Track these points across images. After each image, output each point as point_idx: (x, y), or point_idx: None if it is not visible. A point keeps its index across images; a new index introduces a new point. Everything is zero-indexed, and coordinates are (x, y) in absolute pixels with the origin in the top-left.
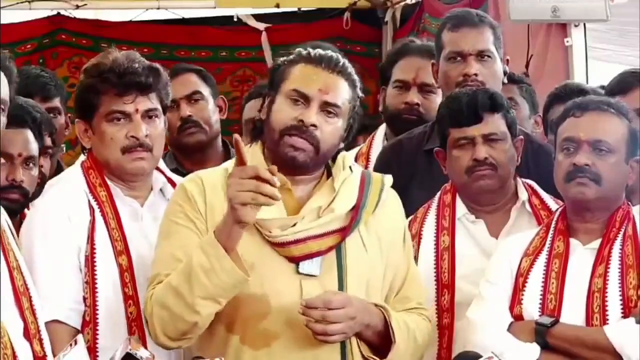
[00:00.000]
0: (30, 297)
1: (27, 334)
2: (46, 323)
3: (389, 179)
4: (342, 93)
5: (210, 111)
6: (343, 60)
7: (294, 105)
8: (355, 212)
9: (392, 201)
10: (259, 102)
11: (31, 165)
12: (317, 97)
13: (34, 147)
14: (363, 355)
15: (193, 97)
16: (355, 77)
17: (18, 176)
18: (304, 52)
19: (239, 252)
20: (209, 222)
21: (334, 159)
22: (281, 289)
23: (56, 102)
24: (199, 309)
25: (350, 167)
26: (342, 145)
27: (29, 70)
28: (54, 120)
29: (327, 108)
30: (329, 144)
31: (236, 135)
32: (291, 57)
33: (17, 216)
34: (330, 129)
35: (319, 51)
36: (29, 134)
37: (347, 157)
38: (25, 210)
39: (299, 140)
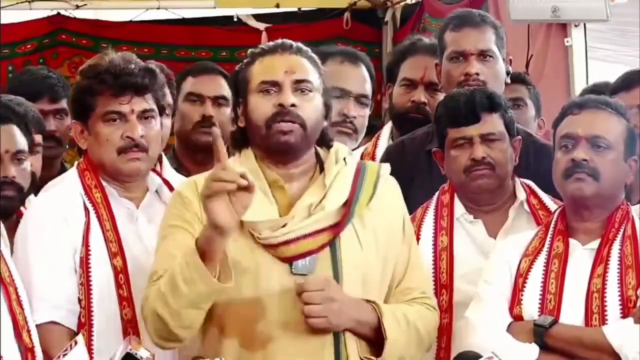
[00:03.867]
0: (16, 288)
1: (15, 326)
2: (42, 324)
3: (385, 168)
4: (308, 69)
5: (228, 118)
6: (297, 43)
7: (267, 96)
8: (347, 208)
9: (390, 191)
10: None
11: (22, 160)
12: (286, 79)
13: (21, 142)
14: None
15: (219, 100)
16: (313, 55)
17: (10, 172)
18: (257, 50)
19: (230, 256)
20: (205, 221)
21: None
22: (275, 290)
23: (63, 104)
24: (184, 317)
25: (344, 159)
26: (325, 123)
27: (37, 70)
28: (60, 121)
29: (300, 86)
30: (314, 120)
31: (215, 130)
32: (245, 60)
33: (13, 214)
34: (310, 105)
35: (272, 42)
36: (14, 129)
37: (340, 150)
38: (22, 209)
39: (285, 124)
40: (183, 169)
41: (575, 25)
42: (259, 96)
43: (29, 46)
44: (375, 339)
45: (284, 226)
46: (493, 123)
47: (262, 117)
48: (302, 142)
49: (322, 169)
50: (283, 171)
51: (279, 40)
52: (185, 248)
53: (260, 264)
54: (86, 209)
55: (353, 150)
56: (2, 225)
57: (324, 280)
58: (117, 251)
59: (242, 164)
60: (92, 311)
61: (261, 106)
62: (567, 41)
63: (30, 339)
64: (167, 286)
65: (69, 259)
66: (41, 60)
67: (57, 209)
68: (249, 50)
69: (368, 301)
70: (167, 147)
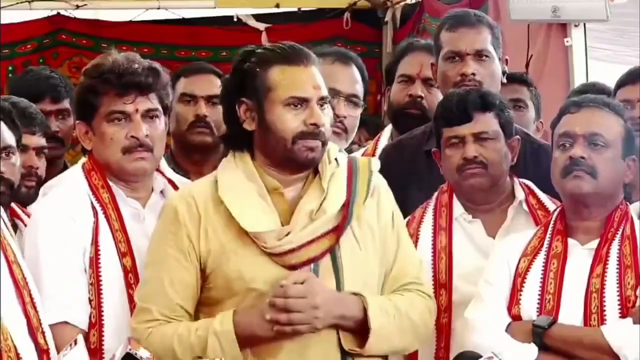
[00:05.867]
0: (30, 291)
1: (30, 328)
2: (54, 325)
3: (375, 163)
4: (323, 81)
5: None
6: (305, 49)
7: (295, 110)
8: (346, 210)
9: (379, 186)
10: None
11: (9, 155)
12: (314, 95)
13: (7, 137)
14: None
15: (212, 100)
16: None
17: None
18: (274, 52)
19: (236, 267)
20: (202, 243)
21: None
22: None
23: (65, 104)
24: None
25: (336, 159)
26: None
27: (39, 71)
28: (62, 121)
29: (323, 102)
30: (329, 134)
31: None
32: (256, 59)
33: (5, 209)
34: (328, 121)
35: (288, 48)
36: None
37: (331, 150)
38: (13, 205)
39: (314, 142)
40: (180, 170)
41: (575, 25)
42: (286, 110)
43: (29, 46)
44: (365, 331)
45: (288, 234)
46: (486, 122)
47: (290, 132)
48: (321, 156)
49: (314, 171)
50: (287, 177)
51: (297, 48)
52: (218, 329)
53: (265, 273)
54: (94, 209)
55: (351, 152)
56: (10, 228)
57: (306, 285)
58: (126, 251)
59: (238, 168)
60: (103, 311)
61: (288, 121)
62: (567, 41)
63: (45, 341)
64: (180, 349)
65: (79, 259)
66: (41, 60)
67: (65, 208)
68: (261, 51)
69: (355, 293)
70: (165, 148)
